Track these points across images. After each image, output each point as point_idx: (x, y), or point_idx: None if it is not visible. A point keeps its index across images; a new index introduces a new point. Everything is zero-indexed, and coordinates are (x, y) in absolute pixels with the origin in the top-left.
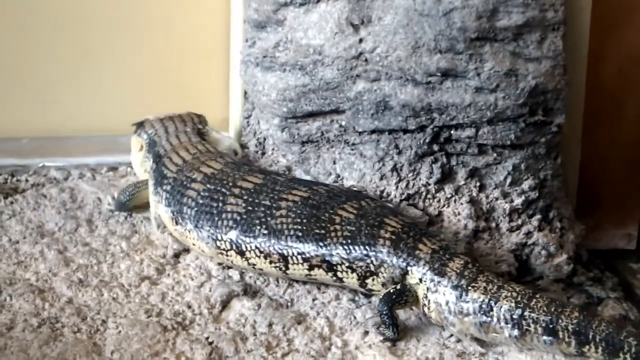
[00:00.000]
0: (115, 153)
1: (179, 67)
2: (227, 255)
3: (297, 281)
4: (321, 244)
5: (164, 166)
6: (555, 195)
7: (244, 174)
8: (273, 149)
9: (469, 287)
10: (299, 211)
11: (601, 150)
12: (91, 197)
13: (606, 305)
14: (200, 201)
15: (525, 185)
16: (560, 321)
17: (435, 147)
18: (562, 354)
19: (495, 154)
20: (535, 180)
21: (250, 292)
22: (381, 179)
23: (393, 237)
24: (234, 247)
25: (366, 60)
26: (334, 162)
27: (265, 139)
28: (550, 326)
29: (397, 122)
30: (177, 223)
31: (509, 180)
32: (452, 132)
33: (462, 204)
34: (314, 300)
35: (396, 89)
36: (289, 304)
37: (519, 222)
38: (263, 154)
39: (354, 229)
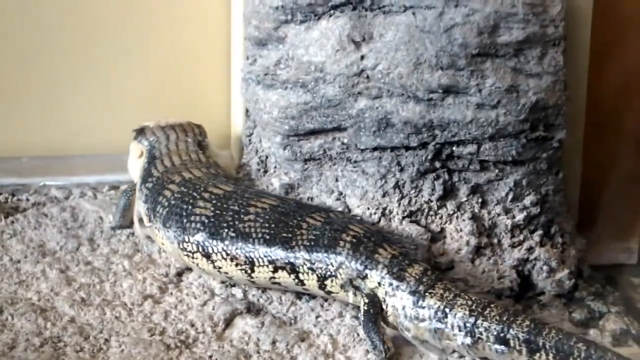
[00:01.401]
0: (116, 172)
1: (180, 86)
2: (192, 258)
3: (300, 299)
4: (287, 246)
5: (154, 166)
6: (556, 210)
7: (217, 182)
8: (275, 167)
9: (426, 293)
10: (267, 217)
11: (602, 164)
12: (92, 215)
13: (607, 319)
14: (172, 202)
15: (527, 200)
16: (511, 330)
17: (437, 164)
18: None
19: (497, 170)
20: (536, 195)
21: (253, 310)
22: (383, 196)
23: (354, 240)
24: (200, 249)
25: (368, 77)
26: (336, 180)
27: (267, 157)
28: (502, 335)
29: (399, 139)
30: (150, 220)
31: (510, 196)
32: (453, 148)
33: (464, 220)
34: (317, 317)
35: (398, 106)
36: (292, 321)
37: (521, 237)
38: (265, 172)
39: (318, 233)
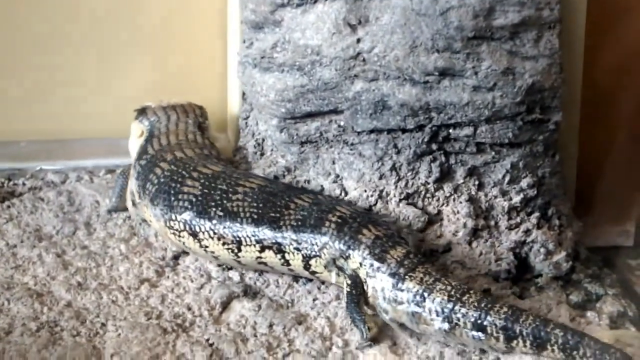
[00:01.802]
0: (113, 156)
1: (177, 69)
2: (179, 237)
3: (297, 282)
4: (274, 225)
5: (150, 145)
6: (553, 192)
7: (207, 163)
8: (272, 150)
9: (406, 276)
10: (255, 196)
11: (598, 147)
12: (89, 200)
13: (605, 302)
14: (162, 180)
15: (524, 183)
16: (488, 317)
17: (434, 146)
18: (492, 349)
19: (493, 153)
20: (533, 178)
21: (250, 293)
22: (380, 178)
23: (339, 220)
24: (187, 227)
25: (364, 60)
26: (333, 162)
27: (263, 140)
28: (479, 322)
29: (395, 121)
30: (140, 197)
31: (507, 178)
32: (450, 131)
33: (461, 202)
34: (314, 300)
35: (394, 88)
36: (290, 304)
37: (518, 220)
38: (262, 154)
39: (305, 213)
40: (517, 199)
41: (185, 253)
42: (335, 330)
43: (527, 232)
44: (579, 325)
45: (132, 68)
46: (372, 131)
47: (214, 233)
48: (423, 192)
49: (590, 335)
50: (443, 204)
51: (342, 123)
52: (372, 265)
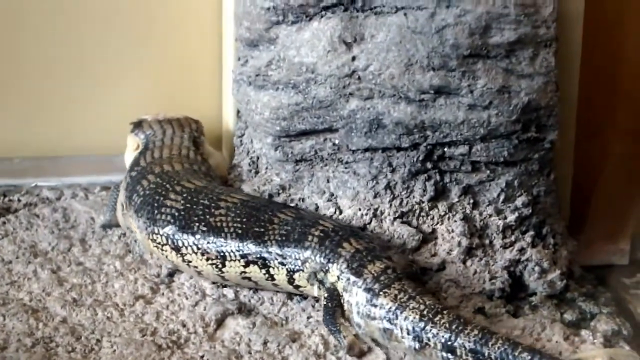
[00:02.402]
0: (108, 172)
1: (172, 87)
2: (162, 250)
3: (291, 299)
4: (259, 240)
5: (143, 157)
6: (548, 211)
7: (191, 178)
8: (266, 168)
9: (380, 292)
10: (238, 211)
11: (593, 166)
12: (84, 216)
13: (599, 320)
14: (147, 192)
15: (519, 201)
16: (459, 339)
17: (429, 165)
18: None
19: (488, 171)
20: (528, 196)
21: (244, 310)
22: (375, 197)
23: (322, 235)
24: (170, 242)
25: (359, 78)
26: (328, 181)
27: (258, 158)
28: (449, 343)
29: (390, 140)
30: (126, 208)
31: (502, 197)
32: (445, 149)
33: (455, 221)
34: (308, 318)
35: (389, 106)
36: (284, 322)
37: (513, 238)
38: (256, 172)
39: (289, 228)
40: (511, 218)
41: (180, 270)
42: (329, 348)
43: (522, 250)
44: (573, 344)
45: (127, 85)
46: (366, 150)
47: (198, 248)
48: (418, 211)
49: (557, 358)
50: (438, 223)
51: (337, 141)
52: (348, 279)
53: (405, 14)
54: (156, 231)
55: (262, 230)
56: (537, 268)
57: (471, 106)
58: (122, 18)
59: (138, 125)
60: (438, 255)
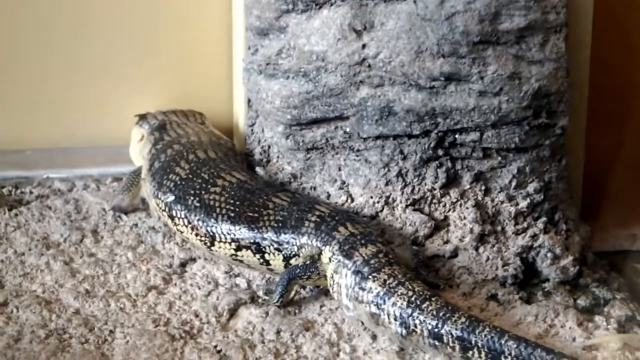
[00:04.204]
0: (119, 164)
1: (182, 76)
2: (162, 214)
3: (304, 288)
4: (253, 226)
5: (166, 133)
6: (560, 197)
7: (210, 148)
8: (278, 157)
9: (369, 276)
10: (232, 192)
11: (605, 151)
12: (96, 207)
13: (612, 306)
14: (167, 158)
15: (530, 188)
16: (445, 326)
17: (440, 152)
18: (449, 358)
19: (499, 158)
20: (540, 182)
21: (257, 299)
22: (387, 184)
23: (318, 220)
24: (167, 209)
25: (369, 66)
26: (339, 169)
27: (269, 147)
28: (436, 330)
29: (401, 127)
30: (145, 174)
31: (514, 183)
32: (456, 136)
33: (467, 208)
34: (321, 306)
35: (400, 94)
36: (297, 311)
37: (525, 225)
38: (268, 161)
39: (286, 214)
40: (523, 204)
41: (193, 260)
42: (343, 337)
43: (534, 237)
44: (586, 330)
45: (138, 75)
46: (378, 137)
47: (188, 222)
48: (429, 198)
49: (543, 346)
50: (449, 210)
51: (347, 129)
52: (339, 260)
53: (414, 1)
54: (159, 197)
55: (256, 215)
56: (549, 254)
57: (482, 93)
58: (132, 8)
59: (142, 117)
60: (450, 242)
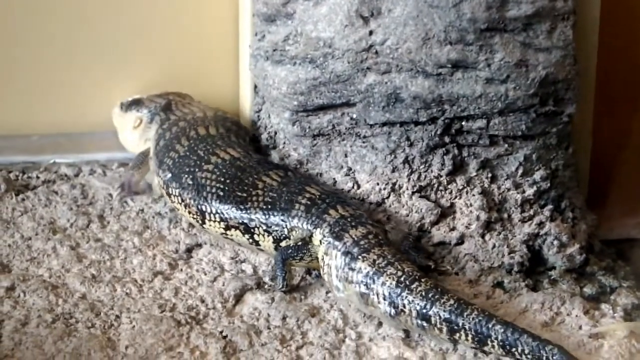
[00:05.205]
0: (125, 149)
1: (189, 62)
2: (162, 190)
3: (310, 274)
4: (241, 207)
5: (172, 113)
6: (567, 185)
7: (212, 124)
8: (284, 143)
9: (359, 257)
10: (224, 170)
11: (612, 139)
12: (102, 193)
13: (619, 294)
14: (171, 136)
15: (537, 175)
16: (434, 307)
17: (447, 139)
18: (436, 339)
19: (506, 145)
20: (546, 170)
21: (263, 285)
22: (393, 171)
23: (309, 202)
24: (165, 186)
25: (376, 52)
26: (346, 155)
27: (276, 133)
28: (424, 311)
29: (408, 114)
30: (153, 150)
31: (520, 170)
32: (463, 123)
33: (474, 195)
34: (327, 293)
35: (407, 81)
36: (302, 297)
37: (531, 212)
38: (274, 147)
39: (275, 195)
40: (530, 192)
41: (199, 245)
42: (349, 323)
43: (541, 224)
44: (593, 318)
45: (144, 61)
46: (384, 124)
47: (182, 200)
48: (436, 185)
49: (530, 332)
50: (456, 197)
51: (354, 116)
52: (329, 242)
53: None
54: (160, 174)
55: (244, 195)
56: (556, 242)
57: (489, 80)
58: None
59: (137, 102)
60: (456, 230)
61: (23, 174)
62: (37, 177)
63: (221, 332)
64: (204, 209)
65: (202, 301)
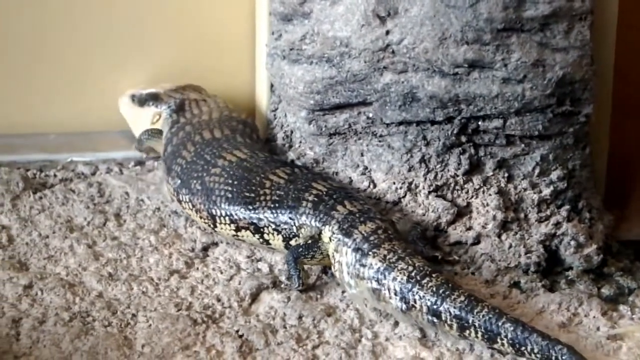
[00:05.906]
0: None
1: (205, 61)
2: (172, 197)
3: (326, 273)
4: (250, 207)
5: (182, 114)
6: (584, 185)
7: (216, 127)
8: (300, 142)
9: (369, 252)
10: (231, 172)
11: (630, 139)
12: (119, 191)
13: (637, 295)
14: (178, 142)
15: (554, 175)
16: (444, 304)
17: (463, 138)
18: (446, 335)
19: (523, 145)
20: (563, 170)
21: (279, 284)
22: (409, 170)
23: (316, 199)
24: (175, 193)
25: (393, 52)
26: (362, 154)
27: (292, 132)
28: (434, 307)
29: (424, 113)
30: (163, 155)
31: (537, 170)
32: (479, 123)
33: (490, 195)
34: (343, 292)
35: (423, 80)
36: (319, 296)
37: (548, 212)
38: (290, 146)
39: (282, 193)
40: (547, 192)
41: (215, 244)
42: (365, 322)
43: (557, 224)
44: (611, 319)
45: (160, 59)
46: (401, 123)
47: (193, 205)
48: (452, 184)
49: (540, 331)
50: (472, 196)
51: (370, 115)
52: (339, 239)
53: None
54: (169, 181)
55: (252, 195)
56: (573, 242)
57: (505, 80)
58: None
59: (155, 97)
60: (473, 229)
61: (40, 172)
62: (55, 176)
63: (237, 331)
64: (214, 213)
65: (218, 300)
